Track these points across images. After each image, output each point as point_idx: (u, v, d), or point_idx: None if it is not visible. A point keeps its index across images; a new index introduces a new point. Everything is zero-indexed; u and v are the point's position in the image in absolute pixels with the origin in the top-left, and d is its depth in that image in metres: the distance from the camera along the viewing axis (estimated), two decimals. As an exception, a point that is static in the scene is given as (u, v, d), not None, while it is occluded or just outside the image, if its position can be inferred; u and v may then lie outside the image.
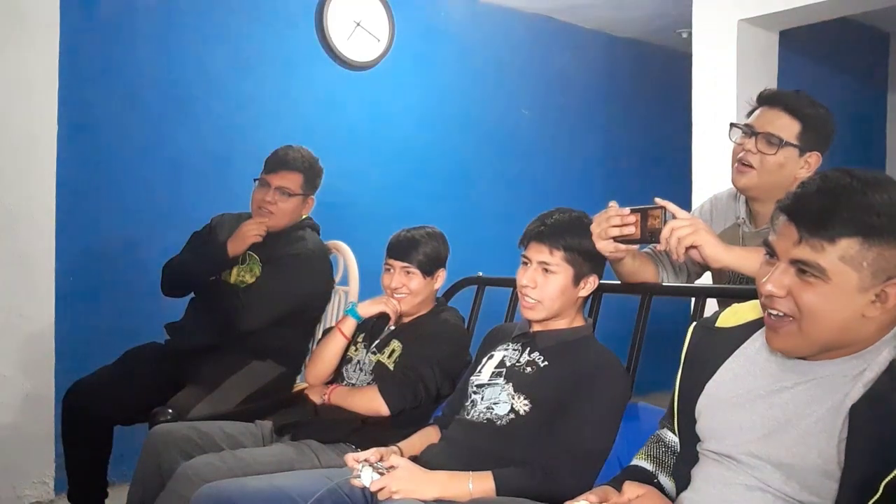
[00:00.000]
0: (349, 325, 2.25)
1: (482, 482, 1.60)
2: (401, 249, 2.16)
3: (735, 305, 1.39)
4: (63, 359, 3.05)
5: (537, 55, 4.83)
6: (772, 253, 1.18)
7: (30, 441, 2.98)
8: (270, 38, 3.80)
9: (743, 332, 1.32)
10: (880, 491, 1.02)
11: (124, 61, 3.38)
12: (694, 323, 1.43)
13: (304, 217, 2.66)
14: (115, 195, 3.36)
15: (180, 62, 3.53)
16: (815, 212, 1.12)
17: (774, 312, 1.17)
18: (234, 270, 2.57)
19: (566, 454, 1.62)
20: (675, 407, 1.38)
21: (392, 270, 2.18)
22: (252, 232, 2.49)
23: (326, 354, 2.25)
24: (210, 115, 3.61)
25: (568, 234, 1.78)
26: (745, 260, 1.69)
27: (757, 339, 1.29)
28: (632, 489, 1.24)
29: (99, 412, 2.36)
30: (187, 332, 2.53)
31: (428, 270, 2.15)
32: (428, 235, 2.20)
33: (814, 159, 1.90)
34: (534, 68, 4.83)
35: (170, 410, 2.22)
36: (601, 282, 1.99)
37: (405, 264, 2.15)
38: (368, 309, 2.23)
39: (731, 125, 1.98)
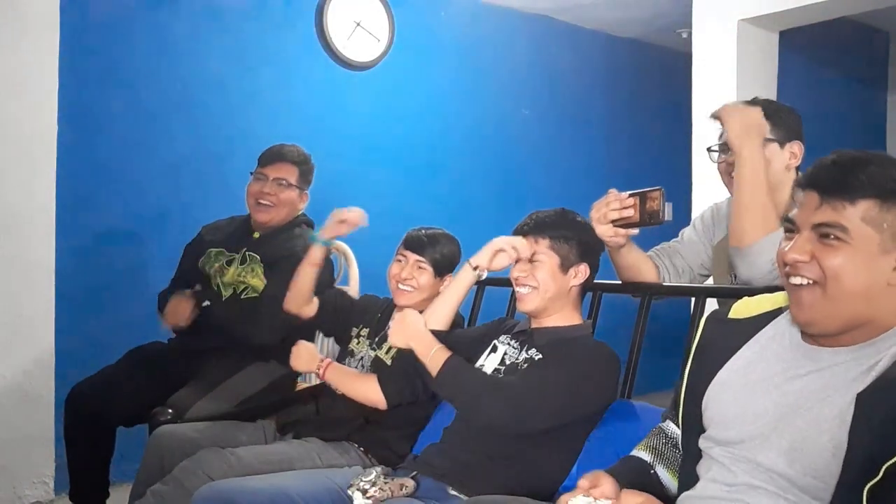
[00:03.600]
0: (319, 254, 2.29)
1: (438, 357, 1.75)
2: (419, 243, 2.15)
3: (747, 298, 1.40)
4: (63, 359, 3.05)
5: (537, 55, 4.83)
6: (791, 228, 1.21)
7: (30, 441, 2.98)
8: (270, 38, 3.80)
9: (757, 323, 1.33)
10: (881, 474, 1.03)
11: (124, 61, 3.38)
12: (706, 315, 1.43)
13: (299, 213, 2.65)
14: (115, 195, 3.36)
15: (180, 62, 3.53)
16: (833, 176, 1.17)
17: (798, 281, 1.18)
18: (232, 270, 2.52)
19: (509, 389, 1.69)
20: (681, 397, 1.38)
21: (403, 262, 2.16)
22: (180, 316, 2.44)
23: (301, 284, 2.29)
24: (210, 115, 3.61)
25: (551, 224, 1.82)
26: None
27: (771, 329, 1.30)
28: (631, 497, 1.24)
29: (101, 412, 2.36)
30: (190, 333, 2.53)
31: (440, 270, 2.15)
32: (446, 237, 2.20)
33: (797, 148, 1.92)
34: (534, 68, 4.83)
35: (169, 410, 2.22)
36: (601, 282, 1.99)
37: (419, 258, 2.14)
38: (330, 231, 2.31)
39: (708, 150, 2.00)
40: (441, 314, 1.91)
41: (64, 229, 3.09)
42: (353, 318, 2.31)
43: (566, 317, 1.84)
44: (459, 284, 1.92)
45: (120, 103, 3.37)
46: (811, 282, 1.17)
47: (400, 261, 2.17)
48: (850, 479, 1.06)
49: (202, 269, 2.56)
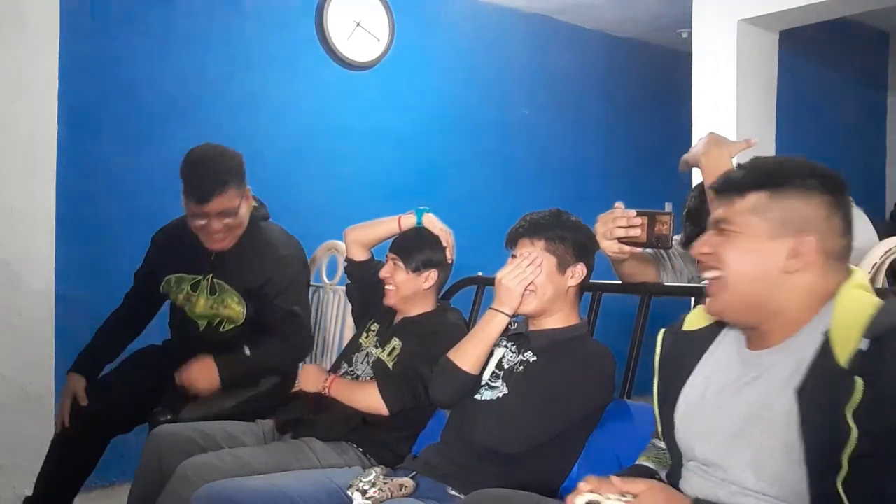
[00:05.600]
0: (409, 220, 2.26)
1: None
2: (397, 243, 2.19)
3: (700, 308, 1.40)
4: (63, 359, 3.04)
5: (537, 55, 4.83)
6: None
7: (30, 441, 2.97)
8: (270, 38, 3.80)
9: (709, 333, 1.34)
10: (845, 466, 1.03)
11: (124, 61, 3.38)
12: (663, 329, 1.43)
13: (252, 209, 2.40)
14: (115, 195, 3.36)
15: (180, 62, 3.53)
16: (731, 177, 1.26)
17: (708, 274, 1.25)
18: (202, 301, 2.36)
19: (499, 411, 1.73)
20: (657, 417, 1.38)
21: (386, 261, 2.20)
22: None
23: (376, 227, 2.32)
24: (210, 115, 3.61)
25: (546, 226, 1.82)
26: None
27: (722, 339, 1.32)
28: (636, 485, 1.18)
29: (103, 422, 2.32)
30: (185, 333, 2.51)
31: (415, 267, 2.14)
32: (428, 234, 2.21)
33: None
34: (534, 68, 4.83)
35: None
36: (601, 282, 1.99)
37: (395, 256, 2.16)
38: (432, 223, 2.23)
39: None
40: (474, 358, 1.82)
41: (64, 229, 3.09)
42: (377, 303, 2.28)
43: (564, 318, 1.84)
44: (493, 331, 1.83)
45: (120, 103, 3.37)
46: (717, 273, 1.23)
47: (386, 261, 2.21)
48: (821, 479, 1.06)
49: (164, 295, 2.45)
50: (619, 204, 1.79)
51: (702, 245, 1.26)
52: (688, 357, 1.33)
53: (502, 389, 1.78)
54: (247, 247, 2.35)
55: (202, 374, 2.22)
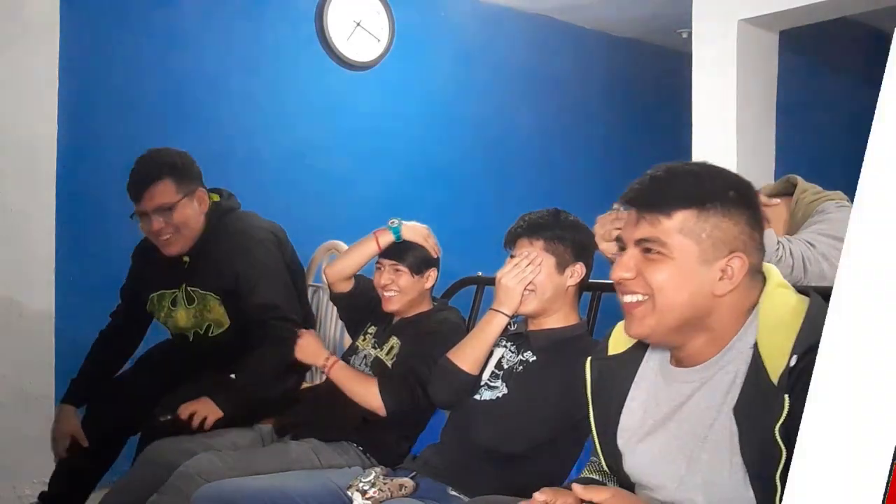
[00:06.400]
0: (386, 239, 2.16)
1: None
2: (390, 248, 2.16)
3: (619, 327, 1.34)
4: (63, 359, 3.05)
5: (537, 55, 4.82)
6: (622, 246, 1.22)
7: (30, 441, 2.98)
8: (270, 38, 3.80)
9: (634, 355, 1.30)
10: (779, 486, 1.01)
11: (124, 62, 3.38)
12: (589, 358, 1.38)
13: (210, 210, 2.29)
14: (115, 195, 3.34)
15: (180, 62, 3.53)
16: (649, 191, 1.19)
17: (630, 298, 1.18)
18: (181, 314, 2.31)
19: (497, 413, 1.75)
20: (598, 447, 1.33)
21: (382, 269, 2.17)
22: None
23: (355, 255, 2.21)
24: (210, 115, 3.61)
25: (544, 225, 1.83)
26: None
27: (649, 360, 1.28)
28: (598, 493, 1.13)
29: (116, 427, 2.31)
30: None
31: (417, 269, 2.14)
32: None
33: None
34: (534, 68, 4.82)
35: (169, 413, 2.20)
36: (600, 281, 1.99)
37: (394, 262, 2.14)
38: (414, 232, 2.17)
39: None
40: (474, 358, 1.83)
41: (64, 229, 3.10)
42: (371, 312, 2.28)
43: (563, 317, 1.84)
44: (493, 331, 1.84)
45: (120, 103, 3.37)
46: (643, 297, 1.16)
47: (379, 269, 2.17)
48: (764, 499, 1.04)
49: (152, 314, 2.43)
50: (617, 205, 1.79)
51: (622, 268, 1.18)
52: (618, 383, 1.29)
53: (502, 389, 1.79)
54: (212, 245, 2.25)
55: (203, 410, 2.16)
